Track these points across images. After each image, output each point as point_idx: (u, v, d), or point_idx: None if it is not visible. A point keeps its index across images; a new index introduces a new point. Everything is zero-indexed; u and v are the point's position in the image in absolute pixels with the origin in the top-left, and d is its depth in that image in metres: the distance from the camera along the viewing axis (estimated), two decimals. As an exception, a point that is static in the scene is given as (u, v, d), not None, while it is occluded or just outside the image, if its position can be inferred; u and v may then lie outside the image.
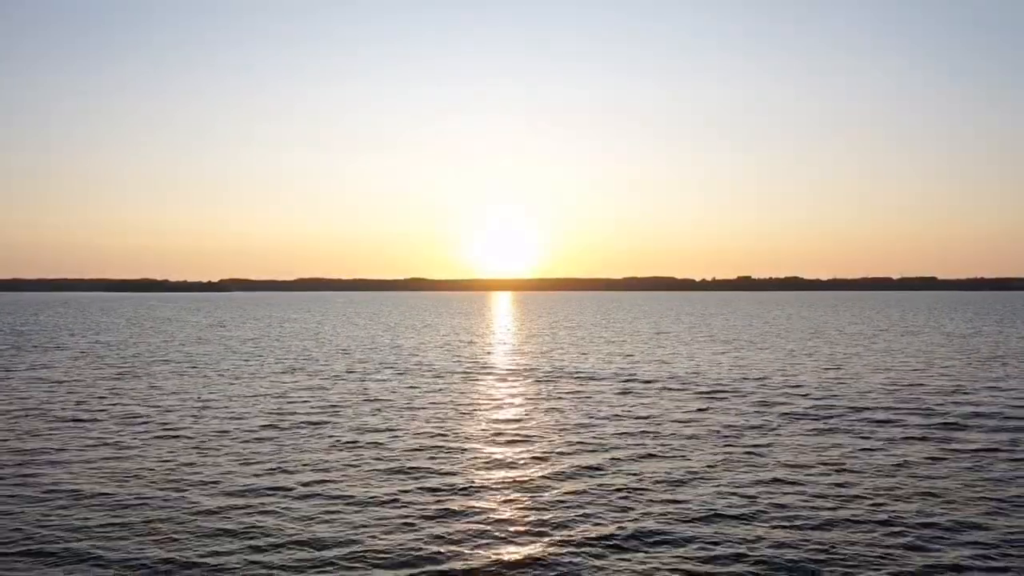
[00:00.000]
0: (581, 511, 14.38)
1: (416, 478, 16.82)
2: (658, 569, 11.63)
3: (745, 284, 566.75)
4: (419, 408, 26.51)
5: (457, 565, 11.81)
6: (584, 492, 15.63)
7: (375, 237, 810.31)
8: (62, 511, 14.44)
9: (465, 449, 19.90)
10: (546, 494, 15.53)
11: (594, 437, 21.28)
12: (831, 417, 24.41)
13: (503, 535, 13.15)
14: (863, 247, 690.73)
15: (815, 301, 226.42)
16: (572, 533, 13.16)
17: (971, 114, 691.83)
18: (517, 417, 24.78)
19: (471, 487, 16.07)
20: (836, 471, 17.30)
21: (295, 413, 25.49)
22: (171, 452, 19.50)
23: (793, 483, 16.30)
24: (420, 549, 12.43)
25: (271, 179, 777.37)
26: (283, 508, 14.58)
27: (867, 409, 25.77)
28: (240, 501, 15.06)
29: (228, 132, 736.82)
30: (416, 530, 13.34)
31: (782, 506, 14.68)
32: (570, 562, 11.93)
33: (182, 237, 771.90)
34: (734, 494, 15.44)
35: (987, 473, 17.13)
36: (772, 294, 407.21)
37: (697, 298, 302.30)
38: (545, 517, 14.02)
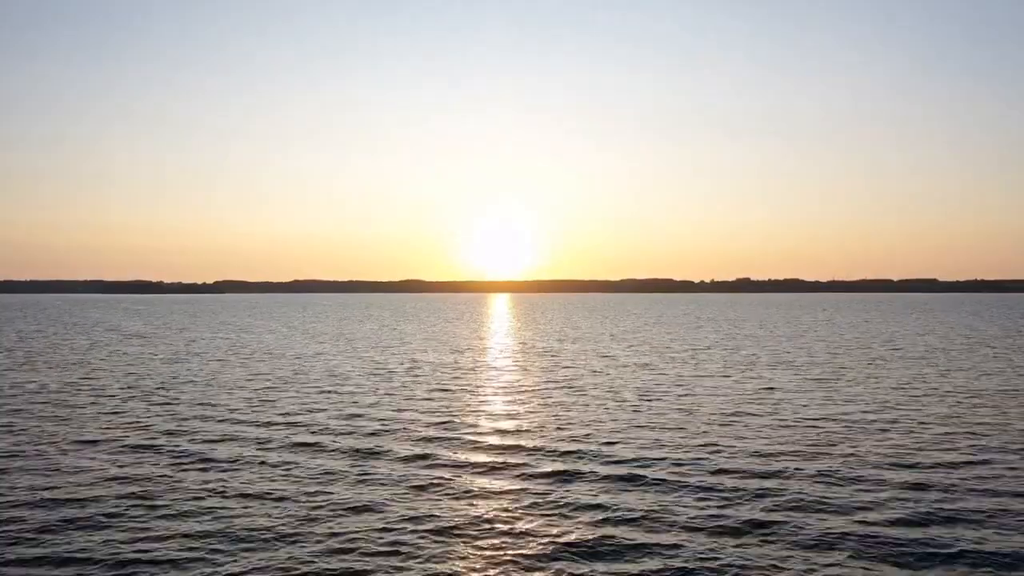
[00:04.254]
0: None
1: None
2: None
3: (744, 286, 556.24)
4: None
5: None
6: None
7: (371, 238, 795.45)
8: None
9: None
10: None
11: None
12: None
13: None
14: (863, 248, 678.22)
15: (823, 303, 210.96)
16: None
17: (972, 114, 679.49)
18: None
19: None
20: None
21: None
22: None
23: None
24: None
25: (267, 180, 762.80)
26: None
27: None
28: None
29: (224, 132, 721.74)
30: None
31: None
32: None
33: (177, 238, 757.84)
34: None
35: None
36: (773, 296, 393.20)
37: (700, 300, 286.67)
38: None
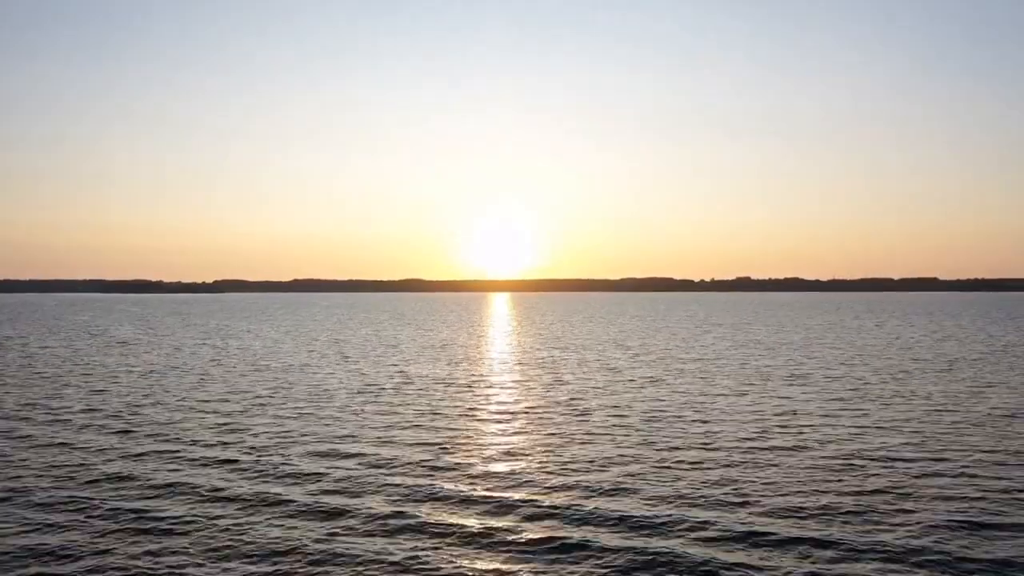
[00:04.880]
0: None
1: None
2: None
3: (744, 284, 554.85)
4: None
5: None
6: None
7: (371, 238, 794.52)
8: None
9: None
10: None
11: None
12: None
13: None
14: (863, 248, 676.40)
15: (824, 304, 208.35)
16: None
17: (972, 114, 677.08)
18: None
19: None
20: None
21: None
22: None
23: None
24: None
25: (267, 180, 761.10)
26: None
27: None
28: None
29: (224, 132, 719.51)
30: None
31: None
32: None
33: (177, 238, 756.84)
34: None
35: None
36: (774, 295, 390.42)
37: (701, 300, 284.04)
38: None
